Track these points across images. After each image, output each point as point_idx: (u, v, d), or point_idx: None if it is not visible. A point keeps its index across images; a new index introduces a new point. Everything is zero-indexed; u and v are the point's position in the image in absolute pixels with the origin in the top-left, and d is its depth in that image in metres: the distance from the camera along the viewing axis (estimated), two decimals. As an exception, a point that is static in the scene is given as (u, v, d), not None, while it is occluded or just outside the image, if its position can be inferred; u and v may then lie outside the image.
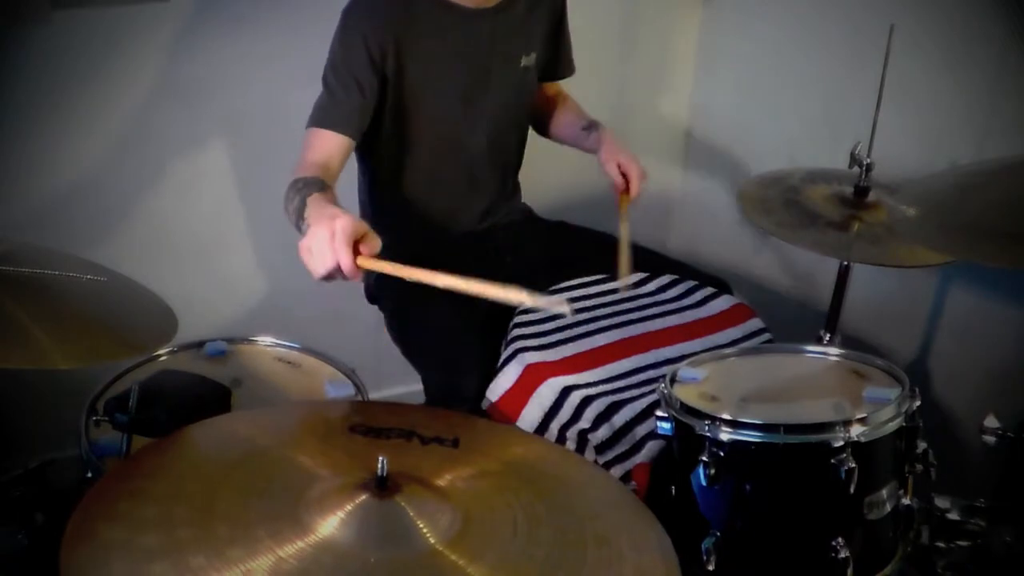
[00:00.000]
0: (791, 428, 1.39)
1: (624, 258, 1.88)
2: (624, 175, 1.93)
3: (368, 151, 1.90)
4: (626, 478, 1.56)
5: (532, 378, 1.66)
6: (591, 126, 2.06)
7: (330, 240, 1.35)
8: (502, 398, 1.70)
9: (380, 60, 1.77)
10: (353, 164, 1.95)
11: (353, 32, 1.77)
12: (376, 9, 1.79)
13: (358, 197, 2.02)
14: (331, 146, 1.73)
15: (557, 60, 2.08)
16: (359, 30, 1.77)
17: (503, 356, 1.73)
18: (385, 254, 1.97)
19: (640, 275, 1.94)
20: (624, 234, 1.90)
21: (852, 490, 1.35)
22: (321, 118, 1.75)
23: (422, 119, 1.87)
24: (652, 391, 1.62)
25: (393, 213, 1.98)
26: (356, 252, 1.37)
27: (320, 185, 1.59)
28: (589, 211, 2.05)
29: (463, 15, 1.85)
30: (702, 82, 2.79)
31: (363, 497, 1.12)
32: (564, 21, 2.05)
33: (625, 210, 1.93)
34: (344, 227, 1.36)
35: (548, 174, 2.24)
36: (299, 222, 1.54)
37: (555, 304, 1.24)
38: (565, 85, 2.18)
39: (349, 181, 1.93)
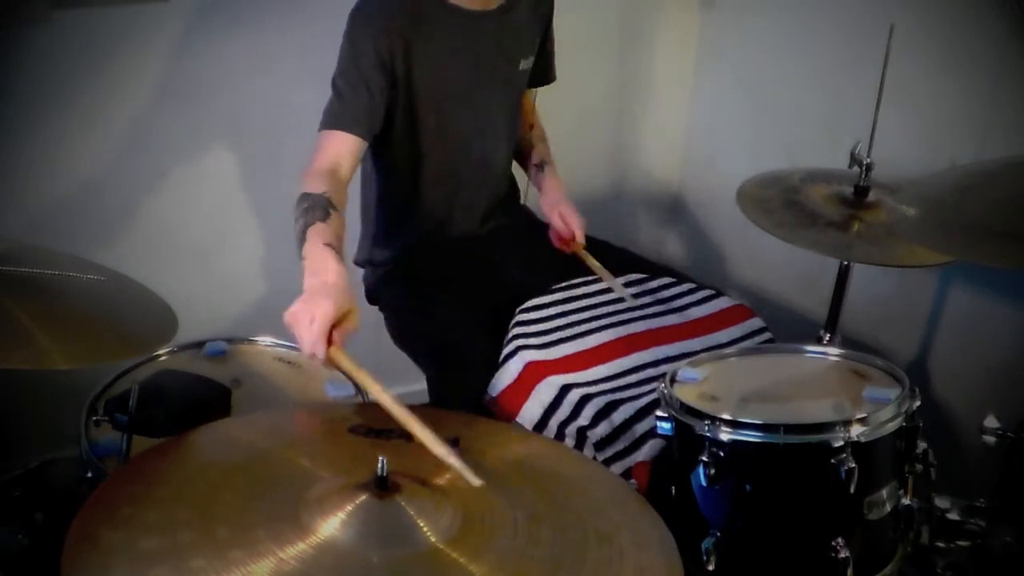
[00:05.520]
0: (791, 428, 1.39)
1: (607, 275, 1.90)
2: (566, 224, 1.97)
3: (378, 155, 1.91)
4: (626, 476, 1.56)
5: (532, 376, 1.67)
6: (543, 165, 2.10)
7: (308, 328, 1.35)
8: (502, 394, 1.70)
9: (389, 61, 1.77)
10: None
11: (361, 34, 1.77)
12: (383, 11, 1.79)
13: (360, 199, 2.02)
14: (341, 148, 1.73)
15: (542, 66, 2.08)
16: (368, 32, 1.77)
17: (504, 353, 1.73)
18: (389, 256, 1.99)
19: (639, 275, 1.95)
20: (593, 262, 1.93)
21: (852, 490, 1.35)
22: (331, 120, 1.75)
23: (431, 121, 1.87)
24: (652, 390, 1.62)
25: (397, 214, 1.98)
26: (331, 337, 1.36)
27: (324, 210, 1.58)
28: (589, 215, 2.04)
29: (468, 17, 1.85)
30: (702, 82, 2.79)
31: (364, 497, 1.12)
32: (551, 27, 2.06)
33: (587, 256, 1.96)
34: (323, 316, 1.35)
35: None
36: (299, 249, 1.54)
37: (469, 476, 1.21)
38: (567, 88, 2.18)
39: (352, 183, 1.93)
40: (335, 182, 1.66)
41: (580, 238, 1.97)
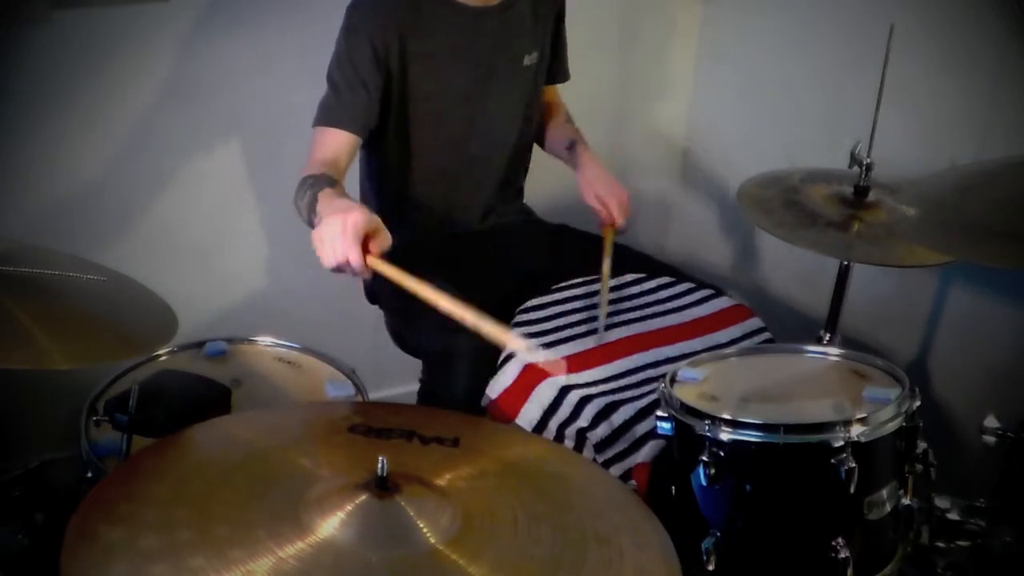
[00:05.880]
0: (791, 428, 1.39)
1: (605, 299, 1.81)
2: (605, 207, 1.93)
3: (374, 149, 1.91)
4: (626, 477, 1.56)
5: (531, 377, 1.66)
6: (572, 145, 2.06)
7: (342, 233, 1.37)
8: (501, 396, 1.70)
9: (384, 57, 1.78)
10: (355, 163, 1.95)
11: (358, 30, 1.78)
12: (381, 7, 1.79)
13: (359, 195, 2.02)
14: (338, 144, 1.74)
15: (554, 64, 2.08)
16: (364, 28, 1.77)
17: (503, 354, 1.73)
18: (387, 254, 1.99)
19: (639, 275, 1.94)
20: (606, 272, 1.85)
21: (852, 490, 1.35)
22: (327, 117, 1.76)
23: (426, 117, 1.87)
24: (652, 390, 1.62)
25: (396, 210, 1.98)
26: (366, 248, 1.37)
27: (330, 181, 1.62)
28: (590, 215, 2.05)
29: (468, 13, 1.85)
30: (702, 82, 2.79)
31: (363, 497, 1.12)
32: (562, 24, 2.05)
33: (610, 243, 1.89)
34: (356, 222, 1.37)
35: (551, 178, 2.24)
36: (311, 217, 1.57)
37: (550, 360, 1.19)
38: (566, 87, 2.18)
39: (352, 179, 1.93)
40: (335, 171, 1.67)
41: (620, 222, 1.92)
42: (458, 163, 1.96)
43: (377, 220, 1.43)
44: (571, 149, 2.06)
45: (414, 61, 1.81)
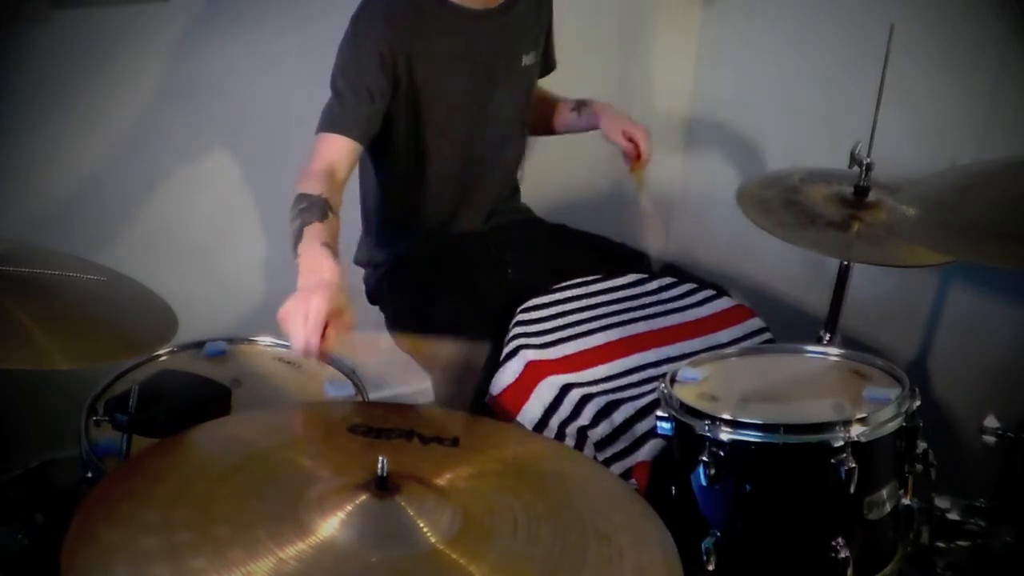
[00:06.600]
0: (791, 428, 1.39)
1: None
2: (632, 141, 1.99)
3: (380, 154, 1.91)
4: (626, 476, 1.56)
5: (532, 375, 1.67)
6: (580, 106, 2.09)
7: (303, 323, 1.35)
8: (503, 393, 1.70)
9: (391, 64, 1.77)
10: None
11: (363, 37, 1.77)
12: (386, 13, 1.79)
13: (360, 196, 2.02)
14: (339, 150, 1.73)
15: (543, 57, 2.08)
16: (369, 35, 1.77)
17: (504, 352, 1.73)
18: (390, 256, 1.99)
19: (639, 275, 1.95)
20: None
21: (852, 490, 1.35)
22: (329, 122, 1.75)
23: (433, 121, 1.87)
24: (652, 389, 1.62)
25: (400, 215, 1.98)
26: (327, 332, 1.35)
27: (321, 210, 1.59)
28: (589, 215, 2.05)
29: (470, 16, 1.85)
30: (702, 82, 2.79)
31: (363, 497, 1.12)
32: (551, 19, 2.06)
33: (640, 175, 2.00)
34: (317, 311, 1.35)
35: (550, 177, 2.25)
36: (294, 249, 1.55)
37: None
38: (567, 89, 2.18)
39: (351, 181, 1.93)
40: (332, 184, 1.66)
41: (645, 151, 1.99)
42: (464, 165, 1.96)
43: (341, 299, 1.39)
44: (580, 107, 2.09)
45: (420, 66, 1.80)
